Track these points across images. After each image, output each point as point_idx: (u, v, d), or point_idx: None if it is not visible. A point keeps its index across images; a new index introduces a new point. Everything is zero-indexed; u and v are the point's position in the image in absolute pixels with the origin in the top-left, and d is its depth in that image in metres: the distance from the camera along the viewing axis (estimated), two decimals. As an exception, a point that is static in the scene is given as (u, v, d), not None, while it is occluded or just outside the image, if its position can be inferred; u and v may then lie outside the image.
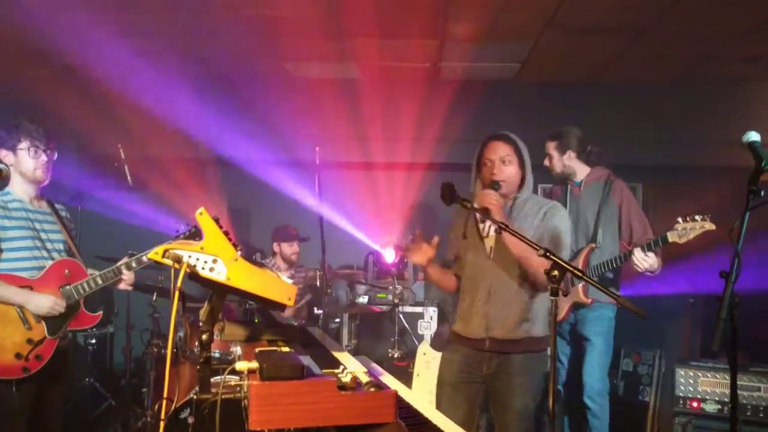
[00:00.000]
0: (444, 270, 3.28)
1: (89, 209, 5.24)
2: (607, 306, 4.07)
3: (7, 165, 3.16)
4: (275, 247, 5.72)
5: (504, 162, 3.05)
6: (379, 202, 6.40)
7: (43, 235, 3.24)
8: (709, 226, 3.68)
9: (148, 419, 4.50)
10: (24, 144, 3.19)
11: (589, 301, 4.02)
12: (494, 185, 2.98)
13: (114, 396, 5.26)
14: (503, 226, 2.71)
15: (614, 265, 3.99)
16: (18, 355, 3.03)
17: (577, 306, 4.09)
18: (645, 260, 3.79)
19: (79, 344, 5.39)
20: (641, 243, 3.87)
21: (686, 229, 3.71)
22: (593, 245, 4.07)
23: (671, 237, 3.75)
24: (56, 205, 3.43)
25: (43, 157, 3.23)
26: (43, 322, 3.11)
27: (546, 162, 4.26)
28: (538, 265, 2.80)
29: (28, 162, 3.20)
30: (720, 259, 2.24)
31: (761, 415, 3.98)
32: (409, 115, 5.95)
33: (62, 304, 3.13)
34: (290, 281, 2.11)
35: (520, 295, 3.02)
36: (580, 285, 4.02)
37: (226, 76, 5.93)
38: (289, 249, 5.67)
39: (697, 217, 3.71)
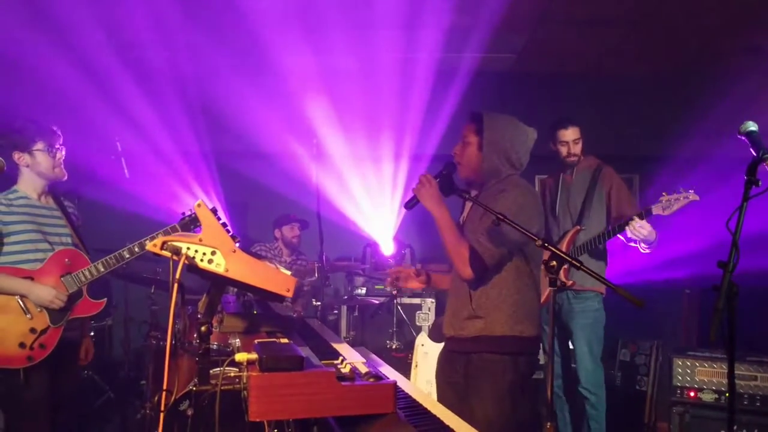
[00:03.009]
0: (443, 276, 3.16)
1: (86, 201, 5.22)
2: (591, 297, 4.09)
3: (22, 166, 3.24)
4: (276, 233, 5.80)
5: (462, 141, 2.89)
6: (377, 193, 6.40)
7: (47, 229, 3.26)
8: (693, 197, 3.71)
9: (147, 411, 4.50)
10: (40, 145, 3.23)
11: (570, 282, 4.03)
12: (447, 165, 2.88)
13: (113, 388, 5.26)
14: (409, 205, 2.79)
15: (600, 241, 4.00)
16: (22, 345, 3.06)
17: (559, 290, 4.09)
18: (643, 228, 3.78)
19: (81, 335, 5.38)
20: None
21: (670, 201, 3.73)
22: (579, 227, 4.11)
23: (655, 209, 3.78)
24: (64, 202, 3.46)
25: (60, 155, 3.30)
26: (45, 312, 3.13)
27: (571, 149, 4.19)
28: (453, 254, 2.71)
29: (47, 162, 3.25)
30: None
31: (758, 404, 3.99)
32: (403, 106, 5.94)
33: (63, 298, 3.14)
34: (288, 272, 2.11)
35: (466, 290, 2.78)
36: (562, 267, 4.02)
37: (223, 68, 5.90)
38: (290, 232, 5.74)
39: (681, 189, 3.73)
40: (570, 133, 4.18)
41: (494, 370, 2.68)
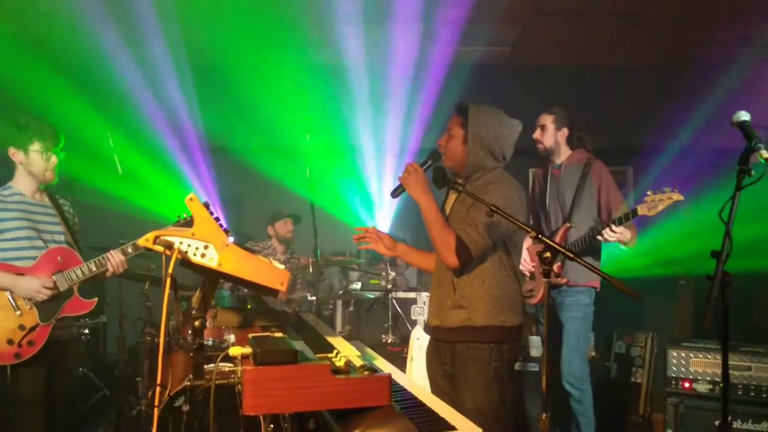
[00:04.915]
0: (421, 252, 3.17)
1: (78, 199, 5.20)
2: (584, 291, 4.07)
3: (15, 161, 3.27)
4: (269, 230, 5.78)
5: (448, 133, 2.91)
6: (371, 188, 6.40)
7: (41, 227, 3.27)
8: (677, 197, 3.69)
9: (143, 408, 4.50)
10: (36, 146, 3.25)
11: (564, 281, 4.02)
12: (433, 154, 2.89)
13: (108, 386, 5.25)
14: (395, 194, 2.81)
15: (587, 242, 4.00)
16: (10, 341, 3.05)
17: (552, 287, 4.07)
18: (612, 235, 3.80)
19: (72, 334, 5.37)
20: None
21: (655, 201, 3.72)
22: (568, 224, 4.09)
23: (640, 210, 3.76)
24: (60, 201, 3.48)
25: (54, 159, 3.30)
26: (35, 309, 3.12)
27: (537, 134, 4.18)
28: (439, 242, 2.73)
29: (39, 164, 3.27)
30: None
31: (752, 394, 4.00)
32: (396, 99, 5.94)
33: (49, 284, 3.13)
34: (282, 266, 2.11)
35: (450, 280, 2.81)
36: (555, 265, 4.02)
37: (217, 64, 5.88)
38: (284, 228, 5.73)
39: (665, 189, 3.72)
40: (539, 119, 4.18)
41: (479, 358, 2.72)
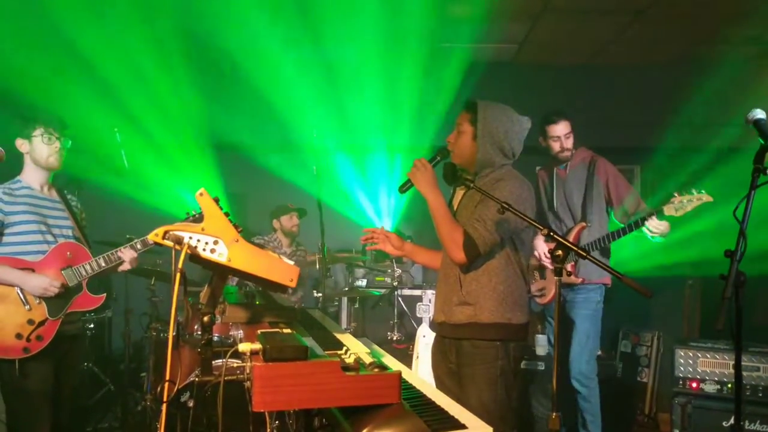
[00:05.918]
0: (427, 250, 3.18)
1: (85, 194, 5.20)
2: (595, 289, 4.06)
3: (23, 153, 3.30)
4: (275, 223, 5.76)
5: (457, 130, 2.90)
6: (377, 185, 6.39)
7: (50, 221, 3.28)
8: (707, 198, 3.63)
9: (148, 403, 4.50)
10: (38, 132, 3.27)
11: (579, 280, 3.99)
12: (441, 150, 2.90)
13: (113, 380, 5.25)
14: (403, 189, 2.80)
15: (610, 240, 3.96)
16: (18, 336, 3.06)
17: (564, 285, 4.05)
18: (659, 227, 3.74)
19: (80, 329, 5.36)
20: (640, 211, 3.84)
21: (683, 202, 3.66)
22: (584, 224, 4.05)
23: (667, 210, 3.69)
24: (68, 196, 3.49)
25: (57, 144, 3.30)
26: (44, 303, 3.13)
27: (563, 144, 4.11)
28: (447, 238, 2.73)
29: (41, 149, 3.28)
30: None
31: (761, 395, 4.00)
32: (403, 96, 5.91)
33: (57, 284, 3.13)
34: (291, 262, 2.09)
35: (456, 276, 2.81)
36: (569, 264, 3.98)
37: (225, 60, 5.87)
38: (289, 222, 5.71)
39: (693, 190, 3.66)
40: (561, 128, 4.10)
41: (485, 356, 2.72)
